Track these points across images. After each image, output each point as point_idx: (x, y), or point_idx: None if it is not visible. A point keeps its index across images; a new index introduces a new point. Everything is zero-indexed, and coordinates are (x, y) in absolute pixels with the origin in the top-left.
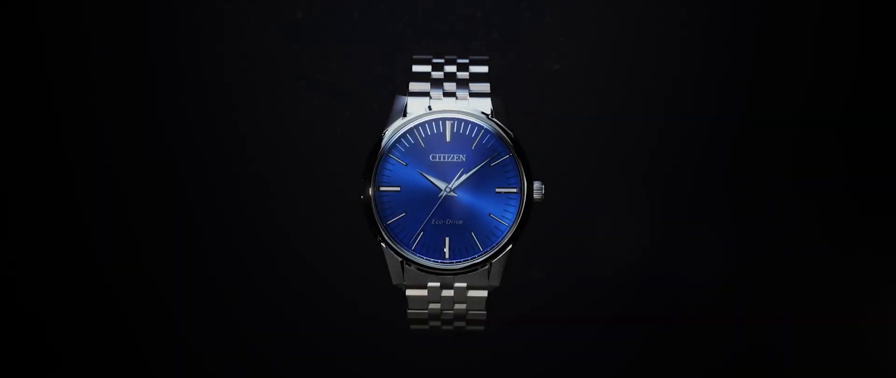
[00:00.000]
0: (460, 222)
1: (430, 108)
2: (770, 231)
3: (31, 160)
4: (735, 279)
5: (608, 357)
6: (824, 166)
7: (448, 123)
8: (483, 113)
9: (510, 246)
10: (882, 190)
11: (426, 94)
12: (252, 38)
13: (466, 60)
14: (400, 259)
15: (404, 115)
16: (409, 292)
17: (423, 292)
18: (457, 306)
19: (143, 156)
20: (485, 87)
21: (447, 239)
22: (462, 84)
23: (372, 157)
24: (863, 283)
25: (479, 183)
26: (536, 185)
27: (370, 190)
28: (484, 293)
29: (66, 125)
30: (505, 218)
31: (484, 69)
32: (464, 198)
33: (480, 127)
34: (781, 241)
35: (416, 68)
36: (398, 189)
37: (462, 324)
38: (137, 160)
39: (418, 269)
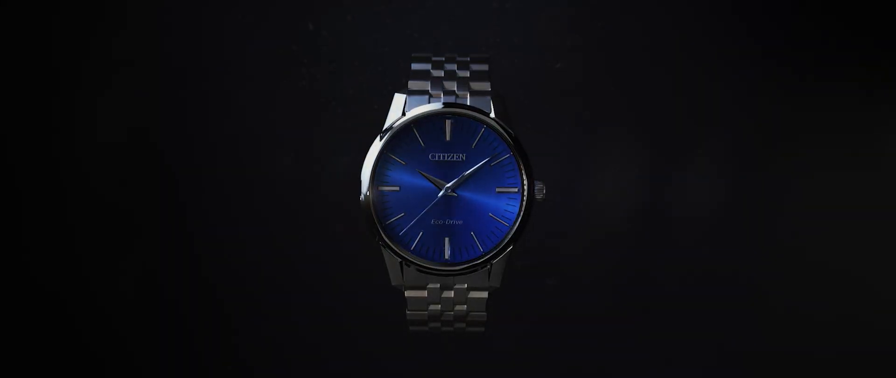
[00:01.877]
0: (460, 222)
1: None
2: (770, 230)
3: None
4: (734, 277)
5: (609, 356)
6: (825, 167)
7: (448, 122)
8: (483, 112)
9: (511, 246)
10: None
11: (426, 92)
12: (253, 40)
13: (467, 58)
14: (399, 260)
15: (404, 113)
16: (408, 293)
17: (423, 293)
18: (457, 308)
19: (143, 156)
20: (485, 85)
21: (447, 239)
22: (462, 82)
23: (371, 156)
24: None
25: (479, 182)
26: (537, 184)
27: (369, 190)
28: (484, 294)
29: (68, 127)
30: (505, 218)
31: (484, 67)
32: (464, 197)
33: (481, 126)
34: (781, 240)
35: (415, 66)
36: (397, 189)
37: (462, 325)
38: (137, 160)
39: (418, 270)
